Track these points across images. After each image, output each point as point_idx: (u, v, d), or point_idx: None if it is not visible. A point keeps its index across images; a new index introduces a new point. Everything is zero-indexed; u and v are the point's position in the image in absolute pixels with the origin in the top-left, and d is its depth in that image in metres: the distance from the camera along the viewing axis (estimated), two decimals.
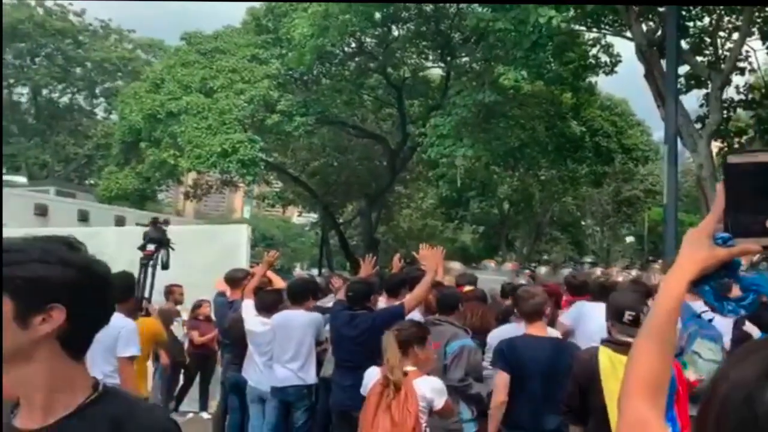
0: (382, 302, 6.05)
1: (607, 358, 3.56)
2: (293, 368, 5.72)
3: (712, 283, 1.42)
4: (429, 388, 3.74)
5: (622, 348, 3.42)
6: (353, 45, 22.26)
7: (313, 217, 41.74)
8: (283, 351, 5.75)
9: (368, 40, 22.51)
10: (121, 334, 4.63)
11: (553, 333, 4.88)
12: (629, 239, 44.55)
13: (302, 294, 6.06)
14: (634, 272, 11.62)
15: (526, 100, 20.19)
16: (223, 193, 42.07)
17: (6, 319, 1.27)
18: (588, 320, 5.41)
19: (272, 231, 52.71)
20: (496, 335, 5.07)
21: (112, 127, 31.91)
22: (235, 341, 6.54)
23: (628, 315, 3.59)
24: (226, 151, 19.99)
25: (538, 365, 4.23)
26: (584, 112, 22.94)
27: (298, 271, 41.05)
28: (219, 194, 39.64)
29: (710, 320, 4.05)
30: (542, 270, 12.93)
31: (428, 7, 21.16)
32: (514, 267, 13.34)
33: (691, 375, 3.76)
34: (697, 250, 1.20)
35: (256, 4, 23.50)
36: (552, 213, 36.19)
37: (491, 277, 10.83)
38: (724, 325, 4.32)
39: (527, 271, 13.51)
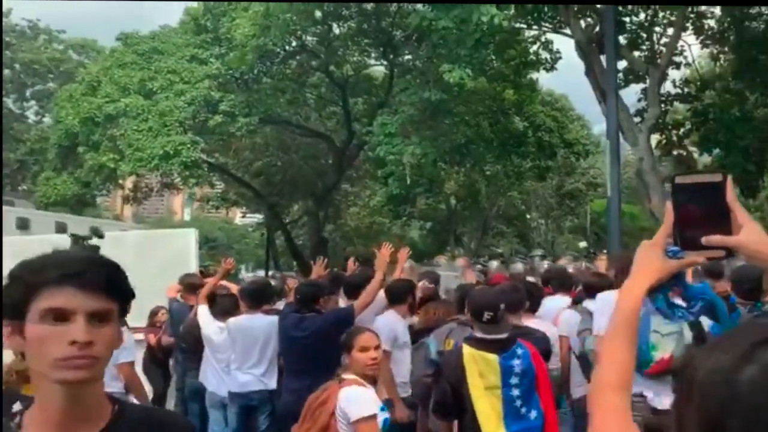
0: (341, 304, 6.22)
1: (469, 356, 3.83)
2: (256, 373, 5.80)
3: (664, 290, 1.67)
4: (345, 398, 3.44)
5: (483, 345, 3.81)
6: (294, 44, 22.26)
7: (258, 217, 41.48)
8: (246, 356, 5.82)
9: (309, 38, 22.54)
10: None
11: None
12: (570, 233, 45.72)
13: (258, 297, 6.13)
14: (582, 264, 12.07)
15: (469, 97, 20.57)
16: (163, 196, 41.36)
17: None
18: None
19: (215, 233, 52.06)
20: None
21: (45, 131, 31.10)
22: (192, 347, 6.62)
23: (486, 314, 3.84)
24: (168, 154, 19.78)
25: None
26: (526, 108, 23.56)
27: (245, 274, 40.83)
28: (158, 197, 38.99)
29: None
30: (493, 264, 13.25)
31: (369, 6, 21.36)
32: (465, 262, 13.58)
33: (660, 354, 4.08)
34: (651, 262, 1.37)
35: (194, 4, 23.28)
36: (498, 207, 36.90)
37: (444, 273, 11.08)
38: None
39: (478, 266, 13.84)
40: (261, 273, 35.50)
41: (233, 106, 21.00)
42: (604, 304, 4.41)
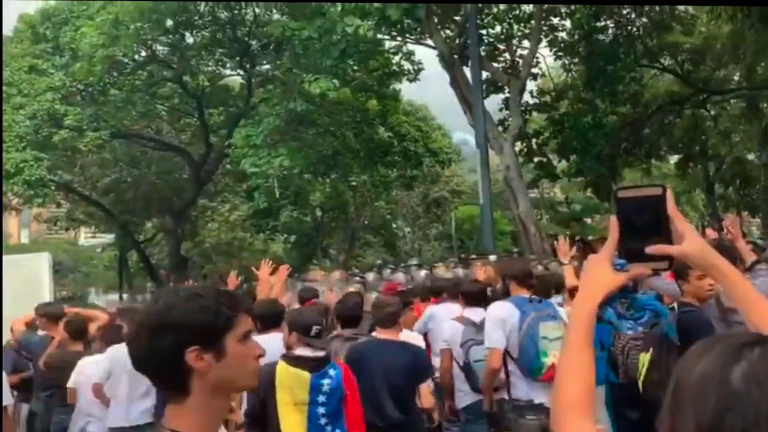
0: None
1: (283, 371, 4.02)
2: (148, 405, 5.51)
3: (612, 303, 1.81)
4: None
5: (298, 362, 4.01)
6: (144, 53, 21.52)
7: (107, 237, 39.53)
8: (135, 387, 5.50)
9: (161, 48, 21.89)
10: None
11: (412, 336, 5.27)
12: (436, 240, 47.11)
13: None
14: (460, 270, 12.51)
15: (333, 107, 20.78)
16: None
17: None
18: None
19: (59, 256, 48.98)
20: None
21: None
22: (63, 382, 6.21)
23: (314, 329, 4.05)
24: (9, 172, 18.49)
25: (383, 366, 4.52)
26: (390, 118, 24.11)
27: (96, 298, 38.70)
28: None
29: (540, 300, 4.60)
30: (370, 276, 13.47)
31: (223, 14, 21.11)
32: (342, 276, 13.71)
33: (551, 359, 4.31)
34: (601, 276, 1.43)
35: (30, 11, 21.88)
36: (365, 218, 37.37)
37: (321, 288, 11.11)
38: None
39: (356, 278, 13.99)
40: (114, 296, 33.92)
41: (80, 120, 19.95)
42: (497, 316, 4.65)
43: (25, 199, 20.85)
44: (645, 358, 4.15)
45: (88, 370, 5.82)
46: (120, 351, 5.63)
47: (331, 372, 4.02)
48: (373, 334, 5.27)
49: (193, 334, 1.47)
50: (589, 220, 41.44)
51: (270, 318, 4.97)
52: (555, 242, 6.42)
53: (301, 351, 4.06)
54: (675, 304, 4.65)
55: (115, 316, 6.86)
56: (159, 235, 33.94)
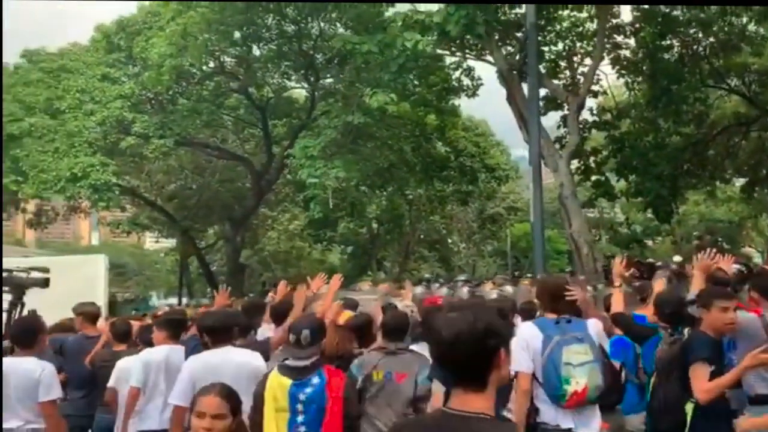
0: (269, 330, 6.12)
1: (274, 379, 4.11)
2: None
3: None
4: None
5: (286, 371, 4.08)
6: (212, 65, 22.07)
7: (171, 242, 40.53)
8: (165, 390, 5.51)
9: (228, 59, 22.41)
10: (42, 378, 4.54)
11: None
12: (491, 257, 46.74)
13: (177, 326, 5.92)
14: (509, 288, 12.35)
15: (392, 121, 20.90)
16: (69, 220, 39.88)
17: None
18: None
19: (124, 258, 50.45)
20: None
21: None
22: (104, 382, 6.32)
23: (303, 337, 4.09)
24: (76, 176, 19.19)
25: None
26: (448, 133, 24.09)
27: (157, 302, 39.67)
28: (64, 221, 37.54)
29: (569, 321, 4.36)
30: (418, 290, 13.37)
31: (290, 27, 21.45)
32: (387, 288, 13.70)
33: (573, 386, 4.16)
34: None
35: (107, 21, 22.73)
36: (420, 231, 37.34)
37: (368, 297, 11.13)
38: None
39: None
40: (173, 301, 34.72)
41: (147, 127, 20.57)
42: (521, 338, 4.40)
43: (92, 203, 21.55)
44: None
45: (124, 371, 5.93)
46: (156, 352, 5.72)
47: (315, 381, 4.04)
48: (413, 347, 5.26)
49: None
50: (650, 242, 40.46)
51: (220, 331, 4.95)
52: (611, 262, 6.19)
53: (291, 359, 4.16)
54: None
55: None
56: (220, 242, 34.62)
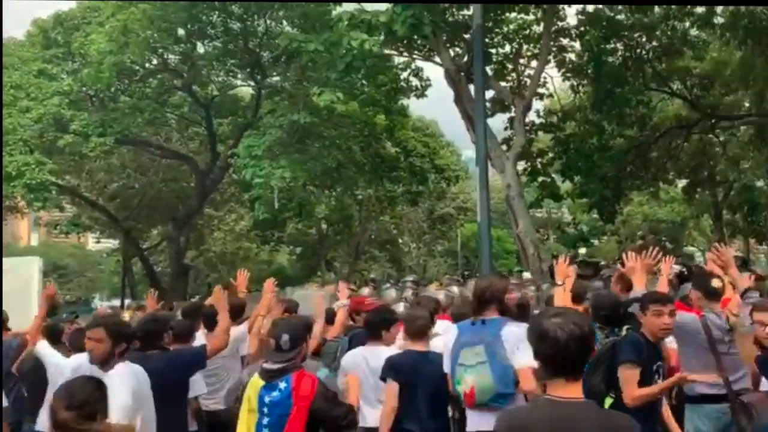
0: (201, 338, 6.03)
1: (252, 380, 4.22)
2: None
3: None
4: None
5: (264, 374, 4.15)
6: (155, 62, 21.69)
7: (113, 243, 39.73)
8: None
9: (172, 56, 22.06)
10: None
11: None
12: (442, 257, 47.10)
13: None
14: (455, 288, 12.39)
15: (340, 121, 20.86)
16: (6, 221, 38.70)
17: None
18: None
19: (65, 260, 49.28)
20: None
21: None
22: (34, 388, 6.15)
23: (282, 342, 4.13)
24: (10, 175, 18.62)
25: (421, 375, 4.65)
26: (398, 134, 24.18)
27: (99, 303, 38.79)
28: None
29: (483, 322, 4.41)
30: (365, 290, 13.32)
31: (236, 25, 21.26)
32: (334, 289, 13.66)
33: (463, 387, 4.28)
34: None
35: (43, 15, 22.15)
36: (370, 232, 37.40)
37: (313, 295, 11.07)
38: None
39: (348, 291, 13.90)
40: (116, 302, 34.02)
41: (86, 125, 20.09)
42: (441, 341, 4.71)
43: (28, 203, 20.96)
44: None
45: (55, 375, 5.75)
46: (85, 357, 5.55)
47: (281, 385, 4.07)
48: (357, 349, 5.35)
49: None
50: (596, 242, 41.33)
51: (147, 337, 4.91)
52: (554, 262, 6.27)
53: (272, 363, 4.18)
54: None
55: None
56: (164, 243, 34.10)
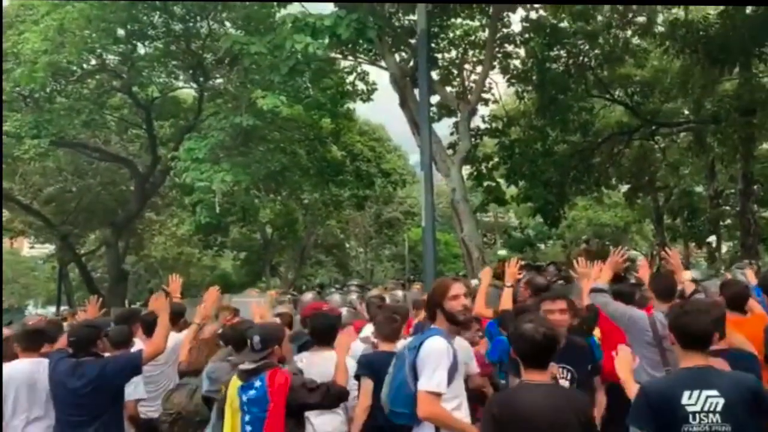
0: (140, 345, 5.98)
1: (233, 382, 4.43)
2: (43, 426, 5.32)
3: None
4: None
5: (240, 374, 4.36)
6: (93, 62, 21.25)
7: (49, 248, 38.72)
8: (28, 406, 5.31)
9: (111, 57, 21.64)
10: None
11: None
12: (389, 261, 47.28)
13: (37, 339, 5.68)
14: (399, 292, 12.51)
15: (285, 124, 20.79)
16: None
17: None
18: None
19: None
20: None
21: None
22: None
23: (254, 343, 4.38)
24: None
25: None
26: (344, 137, 24.23)
27: (34, 310, 37.76)
28: None
29: (416, 332, 4.67)
30: (308, 296, 13.35)
31: (178, 26, 21.00)
32: (276, 294, 13.67)
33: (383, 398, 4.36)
34: None
35: None
36: (316, 236, 37.31)
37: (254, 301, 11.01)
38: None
39: (288, 295, 13.92)
40: (52, 309, 33.17)
41: (19, 127, 19.56)
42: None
43: None
44: None
45: None
46: (14, 366, 5.43)
47: (257, 384, 4.27)
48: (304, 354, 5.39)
49: None
50: (542, 246, 42.04)
51: (78, 343, 4.94)
52: (506, 264, 6.52)
53: (248, 362, 4.40)
54: None
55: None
56: (103, 248, 33.40)
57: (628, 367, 3.78)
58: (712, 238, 27.92)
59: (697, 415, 3.11)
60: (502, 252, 30.66)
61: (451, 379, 3.78)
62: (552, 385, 3.45)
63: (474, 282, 16.51)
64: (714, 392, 3.08)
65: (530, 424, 3.22)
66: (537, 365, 3.38)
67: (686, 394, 3.13)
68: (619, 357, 3.86)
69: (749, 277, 7.52)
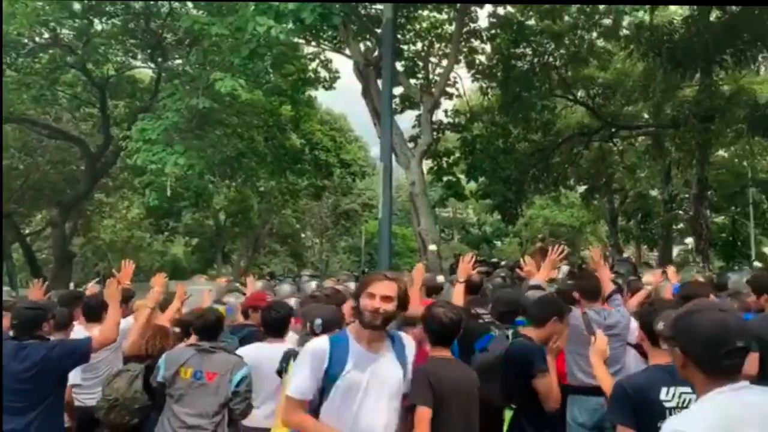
0: (81, 330, 5.75)
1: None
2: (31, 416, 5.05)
3: None
4: None
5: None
6: (46, 35, 20.56)
7: None
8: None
9: (65, 31, 20.96)
10: None
11: None
12: (345, 253, 47.13)
13: None
14: (352, 284, 12.37)
15: (243, 108, 20.43)
16: None
17: None
18: None
19: None
20: None
21: None
22: None
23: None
24: None
25: None
26: (304, 125, 23.92)
27: None
28: None
29: None
30: (258, 284, 13.09)
31: (137, 4, 20.44)
32: (226, 281, 13.39)
33: None
34: None
35: None
36: (271, 225, 36.93)
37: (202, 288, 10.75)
38: None
39: (237, 284, 13.65)
40: None
41: None
42: None
43: None
44: None
45: None
46: None
47: None
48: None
49: None
50: (499, 243, 42.37)
51: (22, 326, 4.77)
52: (461, 258, 6.47)
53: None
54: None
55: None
56: (49, 229, 32.55)
57: (602, 355, 3.97)
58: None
59: (674, 411, 3.09)
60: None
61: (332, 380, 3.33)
62: (452, 359, 3.94)
63: (440, 279, 16.53)
64: (687, 389, 3.09)
65: (457, 388, 3.76)
66: (443, 343, 3.90)
67: (664, 390, 3.19)
68: (595, 346, 4.02)
69: (658, 277, 7.79)
